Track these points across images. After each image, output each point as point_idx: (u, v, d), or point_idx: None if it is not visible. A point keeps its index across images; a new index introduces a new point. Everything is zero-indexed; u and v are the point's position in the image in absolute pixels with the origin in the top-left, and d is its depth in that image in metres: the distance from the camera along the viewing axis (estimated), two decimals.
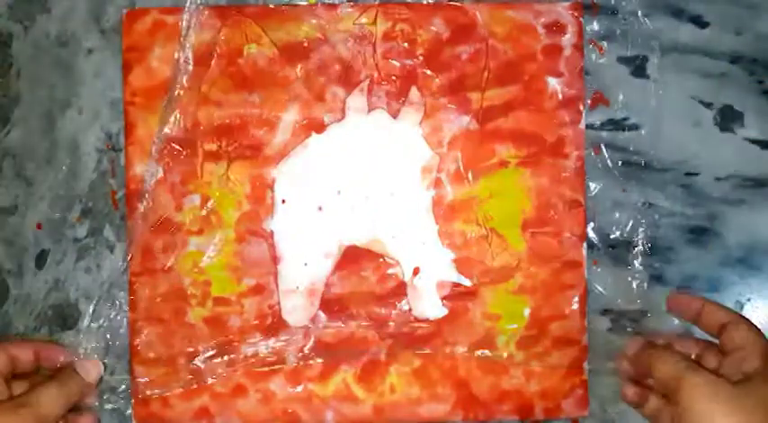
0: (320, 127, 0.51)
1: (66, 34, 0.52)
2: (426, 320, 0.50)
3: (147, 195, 0.50)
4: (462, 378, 0.50)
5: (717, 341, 0.45)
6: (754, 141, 0.52)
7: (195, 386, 0.50)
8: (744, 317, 0.44)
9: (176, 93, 0.50)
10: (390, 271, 0.50)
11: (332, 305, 0.50)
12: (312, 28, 0.51)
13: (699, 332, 0.51)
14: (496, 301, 0.50)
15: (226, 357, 0.50)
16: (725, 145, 0.52)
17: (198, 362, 0.50)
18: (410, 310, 0.50)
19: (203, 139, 0.51)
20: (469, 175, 0.51)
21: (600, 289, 0.51)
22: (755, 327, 0.43)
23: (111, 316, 0.51)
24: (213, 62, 0.50)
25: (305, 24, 0.51)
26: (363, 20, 0.51)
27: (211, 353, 0.50)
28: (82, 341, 0.50)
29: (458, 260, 0.50)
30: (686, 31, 0.52)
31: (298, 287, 0.50)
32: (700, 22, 0.52)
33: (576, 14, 0.51)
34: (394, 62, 0.51)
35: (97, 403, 0.50)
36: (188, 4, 0.50)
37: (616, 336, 0.51)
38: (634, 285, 0.51)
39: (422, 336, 0.50)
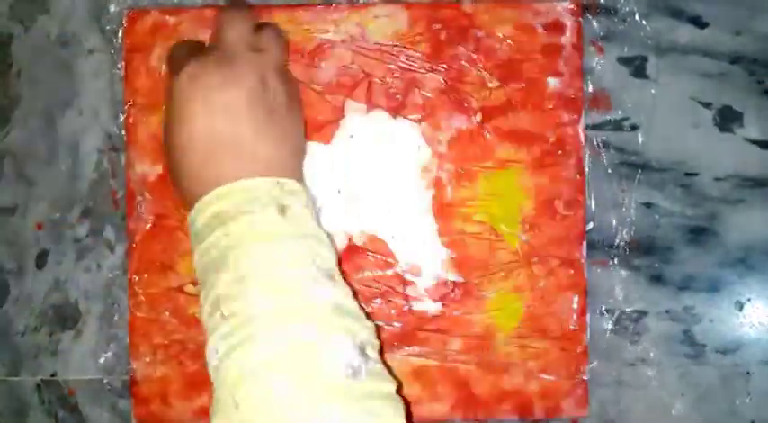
0: (320, 127, 0.51)
1: (66, 34, 0.52)
2: (426, 319, 0.50)
3: (146, 194, 0.50)
4: (462, 377, 0.50)
5: None
6: (753, 141, 0.52)
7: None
8: None
9: None
10: (390, 270, 0.50)
11: None
12: (311, 28, 0.51)
13: (698, 336, 0.51)
14: (496, 300, 0.50)
15: None
16: (724, 145, 0.52)
17: (198, 361, 0.50)
18: (410, 308, 0.50)
19: None
20: (469, 175, 0.51)
21: (600, 289, 0.51)
22: None
23: (111, 316, 0.51)
24: None
25: (304, 24, 0.51)
26: (363, 20, 0.51)
27: None
28: None
29: (457, 259, 0.50)
30: (686, 31, 0.52)
31: None
32: (699, 22, 0.52)
33: (575, 14, 0.51)
34: (394, 62, 0.51)
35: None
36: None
37: (617, 336, 0.51)
38: (634, 285, 0.51)
39: (421, 335, 0.50)
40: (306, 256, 0.38)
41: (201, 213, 0.39)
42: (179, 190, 0.42)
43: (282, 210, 0.39)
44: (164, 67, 0.48)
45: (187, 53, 0.43)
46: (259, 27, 0.44)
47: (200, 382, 0.50)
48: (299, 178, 0.43)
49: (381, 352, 0.39)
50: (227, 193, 0.39)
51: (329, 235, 0.41)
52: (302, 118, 0.45)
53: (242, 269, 0.37)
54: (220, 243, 0.38)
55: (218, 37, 0.43)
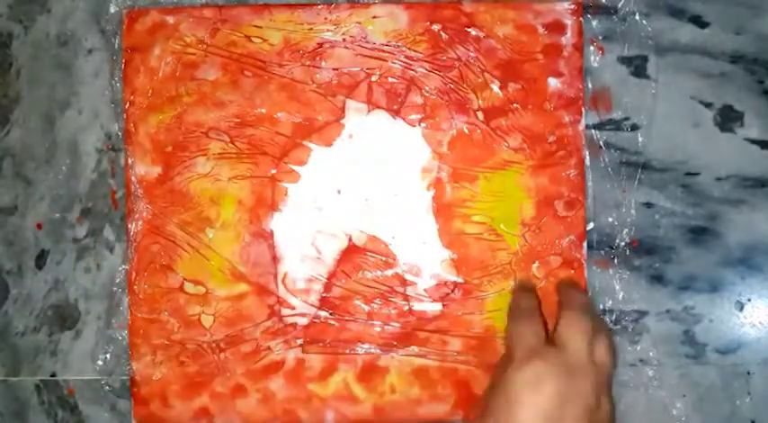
0: (320, 127, 0.51)
1: (66, 34, 0.52)
2: (426, 320, 0.50)
3: (146, 194, 0.50)
4: (462, 378, 0.50)
5: None
6: (754, 141, 0.52)
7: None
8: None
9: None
10: (390, 270, 0.50)
11: (332, 305, 0.50)
12: (312, 28, 0.51)
13: (699, 336, 0.51)
14: (496, 300, 0.50)
15: (225, 356, 0.50)
16: (725, 145, 0.52)
17: (198, 361, 0.50)
18: (410, 309, 0.50)
19: (203, 138, 0.51)
20: (469, 175, 0.51)
21: (600, 289, 0.51)
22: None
23: (111, 316, 0.51)
24: (212, 62, 0.51)
25: (304, 24, 0.51)
26: (363, 20, 0.51)
27: (211, 352, 0.50)
28: None
29: (457, 260, 0.50)
30: (686, 31, 0.52)
31: (297, 287, 0.50)
32: (700, 22, 0.52)
33: (575, 14, 0.51)
34: (394, 62, 0.51)
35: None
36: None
37: (617, 336, 0.51)
38: (634, 285, 0.51)
39: (421, 335, 0.50)
40: None
41: None
42: None
43: None
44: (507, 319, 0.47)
45: (530, 330, 0.43)
46: (594, 327, 0.44)
47: (200, 383, 0.50)
48: None
49: None
50: None
51: None
52: None
53: None
54: None
55: (561, 336, 0.43)
